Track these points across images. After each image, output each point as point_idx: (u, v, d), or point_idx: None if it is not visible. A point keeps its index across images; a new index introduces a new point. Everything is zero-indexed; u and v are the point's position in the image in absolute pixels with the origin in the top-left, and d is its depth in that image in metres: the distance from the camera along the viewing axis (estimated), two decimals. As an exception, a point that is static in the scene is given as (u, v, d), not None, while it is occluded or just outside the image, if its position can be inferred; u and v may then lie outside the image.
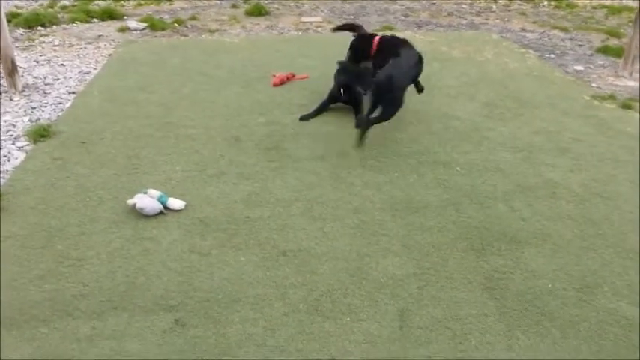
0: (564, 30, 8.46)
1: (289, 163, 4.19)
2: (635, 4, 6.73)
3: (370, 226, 3.44)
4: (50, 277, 2.96)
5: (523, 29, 8.52)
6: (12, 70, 5.46)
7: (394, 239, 3.32)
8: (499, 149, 4.42)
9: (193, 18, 8.67)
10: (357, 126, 4.72)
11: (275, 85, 5.75)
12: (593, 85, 6.11)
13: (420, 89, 5.14)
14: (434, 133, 4.63)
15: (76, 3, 9.33)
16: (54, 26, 8.07)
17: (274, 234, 3.35)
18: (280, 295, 2.86)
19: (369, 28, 5.90)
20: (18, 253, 3.14)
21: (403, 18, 9.05)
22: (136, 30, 7.96)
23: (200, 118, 4.95)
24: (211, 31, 8.05)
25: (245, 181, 3.93)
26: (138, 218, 3.44)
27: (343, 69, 5.00)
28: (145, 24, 8.11)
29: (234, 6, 9.51)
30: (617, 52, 7.05)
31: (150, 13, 8.93)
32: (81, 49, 7.05)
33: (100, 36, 7.67)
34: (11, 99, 5.35)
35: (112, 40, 7.45)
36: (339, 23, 8.42)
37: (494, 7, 9.92)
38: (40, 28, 7.94)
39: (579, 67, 6.71)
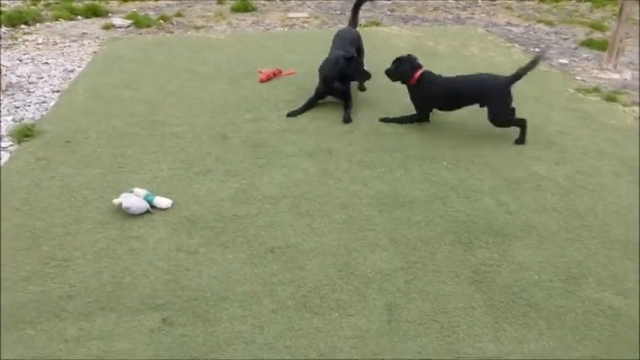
0: (549, 24, 8.51)
1: (276, 159, 4.18)
2: (618, -3, 6.79)
3: (357, 221, 3.45)
4: (36, 278, 2.93)
5: (508, 23, 8.56)
6: (-6, 69, 5.40)
7: (381, 234, 3.33)
8: (485, 143, 4.44)
9: (179, 14, 8.62)
10: (345, 121, 4.75)
11: (261, 81, 5.73)
12: (578, 78, 6.15)
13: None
14: (420, 129, 4.64)
15: (59, 0, 9.22)
16: (37, 24, 7.99)
17: (262, 231, 3.34)
18: (268, 292, 2.86)
19: (359, 23, 5.89)
20: (3, 254, 3.11)
21: (389, 13, 9.05)
22: (120, 27, 7.90)
23: (186, 115, 4.93)
24: (197, 28, 8.01)
25: (232, 178, 3.91)
26: (124, 217, 3.42)
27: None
28: (130, 21, 8.05)
29: (220, 2, 9.46)
30: (602, 45, 7.10)
31: (135, 9, 8.86)
32: (65, 46, 6.99)
33: (84, 33, 7.60)
34: (-6, 98, 5.29)
35: (97, 38, 7.39)
36: (326, 19, 8.44)
37: (479, 1, 9.95)
38: (23, 26, 7.86)
39: (564, 61, 6.75)
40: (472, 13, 9.10)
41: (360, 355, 2.49)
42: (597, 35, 7.81)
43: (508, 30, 8.13)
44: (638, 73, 6.35)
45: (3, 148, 4.31)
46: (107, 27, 7.87)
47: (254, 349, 2.52)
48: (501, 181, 3.92)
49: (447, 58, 6.60)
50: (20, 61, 6.41)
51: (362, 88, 5.54)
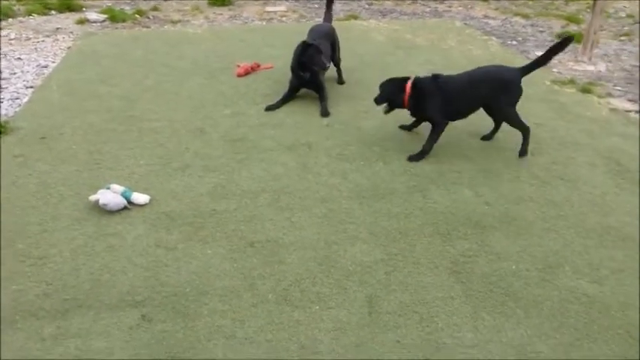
0: (526, 17, 8.59)
1: (255, 154, 4.16)
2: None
3: (337, 214, 3.45)
4: (12, 277, 2.88)
5: (486, 16, 8.62)
6: (-35, 65, 5.28)
7: (361, 227, 3.34)
8: (464, 136, 4.48)
9: (155, 9, 8.51)
10: (323, 114, 4.74)
11: (239, 75, 5.70)
12: (554, 70, 6.23)
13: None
14: (398, 121, 4.65)
15: (32, -5, 9.04)
16: (9, 19, 7.82)
17: (241, 225, 3.33)
18: (249, 286, 2.86)
19: (333, 17, 5.88)
20: (-23, 253, 3.05)
21: (367, 6, 9.06)
22: (95, 22, 7.77)
23: (164, 110, 4.88)
24: (174, 22, 7.92)
25: (211, 173, 3.89)
26: (101, 214, 3.38)
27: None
28: (105, 15, 7.92)
29: (196, -4, 9.36)
30: (577, 38, 7.17)
31: (110, 4, 8.72)
32: (38, 42, 6.85)
33: (58, 28, 7.46)
34: (-34, 95, 5.18)
35: (71, 33, 7.26)
36: (304, 13, 8.41)
37: (457, -6, 10.00)
38: (-6, 21, 7.69)
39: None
40: (450, 6, 9.15)
41: (340, 347, 2.50)
42: (573, 28, 7.91)
43: (485, 23, 8.19)
44: (612, 65, 6.46)
45: (-25, 145, 4.22)
46: (81, 22, 7.73)
47: (234, 343, 2.51)
48: (479, 172, 3.95)
49: (425, 51, 6.63)
50: (-8, 56, 6.28)
51: (340, 82, 5.54)
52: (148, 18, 8.13)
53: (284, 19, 8.28)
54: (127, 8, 8.47)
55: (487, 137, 4.44)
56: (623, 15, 8.85)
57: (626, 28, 8.11)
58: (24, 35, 7.11)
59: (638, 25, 8.16)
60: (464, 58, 6.42)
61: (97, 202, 3.40)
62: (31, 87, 5.37)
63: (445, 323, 2.66)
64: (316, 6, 8.94)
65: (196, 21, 8.03)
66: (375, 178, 3.85)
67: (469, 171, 3.96)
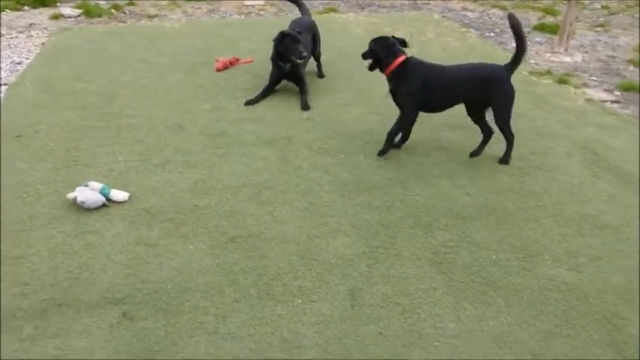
0: (503, 8, 8.66)
1: (236, 148, 4.14)
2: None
3: (319, 208, 3.45)
4: (-12, 277, 2.83)
5: (464, 8, 8.67)
6: (-64, 62, 5.15)
7: (343, 220, 3.34)
8: (442, 128, 4.50)
9: (131, 3, 8.39)
10: (303, 108, 4.72)
11: (218, 70, 5.65)
12: (532, 61, 6.29)
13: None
14: (378, 114, 4.66)
15: (4, -10, 8.86)
16: (-19, 15, 7.65)
17: (223, 221, 3.31)
18: (231, 281, 2.84)
19: (312, 10, 5.86)
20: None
21: (346, -1, 9.04)
22: (70, 17, 7.64)
23: (142, 106, 4.82)
24: (151, 17, 7.83)
25: (191, 168, 3.86)
26: (79, 212, 3.33)
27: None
28: (80, 10, 7.79)
29: (173, -10, 9.25)
30: (553, 29, 7.28)
31: (85, -1, 8.58)
32: (11, 38, 6.71)
33: (31, 24, 7.32)
34: (-63, 93, 5.05)
35: (45, 29, 7.13)
36: (282, 6, 8.37)
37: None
38: (-35, 17, 7.52)
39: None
40: (428, -1, 9.18)
41: (323, 340, 2.50)
42: (549, 19, 7.99)
43: (463, 15, 8.24)
44: (588, 55, 6.54)
45: (-52, 144, 4.13)
46: (56, 17, 7.60)
47: (217, 339, 2.50)
48: (459, 164, 3.98)
49: (404, 44, 6.63)
50: (-36, 53, 6.14)
51: (320, 75, 5.53)
52: (124, 13, 8.02)
53: (262, 12, 8.23)
54: (103, 3, 8.33)
55: (476, 153, 4.13)
56: (598, 6, 8.97)
57: (601, 19, 8.21)
58: (-4, 31, 6.97)
59: (613, 16, 8.27)
60: (442, 50, 6.45)
61: (74, 199, 3.35)
62: (5, 84, 5.26)
63: (427, 314, 2.67)
64: (295, -1, 8.88)
65: (174, 15, 7.95)
66: (356, 171, 3.85)
67: (448, 163, 3.99)
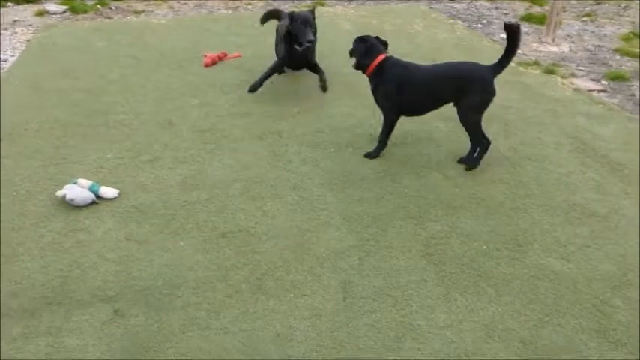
0: (491, 0, 8.66)
1: (225, 144, 4.13)
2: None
3: (309, 201, 3.45)
4: (-22, 277, 2.82)
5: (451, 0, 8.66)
6: None
7: (334, 213, 3.35)
8: (431, 119, 4.50)
9: (117, -1, 8.32)
10: (324, 89, 4.60)
11: (207, 65, 5.63)
12: (519, 52, 6.29)
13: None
14: (367, 107, 4.65)
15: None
16: (-35, 13, 7.56)
17: (213, 216, 3.31)
18: (222, 276, 2.84)
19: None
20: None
21: (334, -8, 9.01)
22: (55, 13, 7.56)
23: (130, 103, 4.79)
24: (137, 13, 7.76)
25: (181, 164, 3.85)
26: (69, 210, 3.32)
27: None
28: (65, 6, 7.71)
29: (160, -15, 9.17)
30: (540, 20, 7.31)
31: (70, -5, 8.49)
32: (-4, 35, 6.65)
33: (16, 21, 7.24)
34: None
35: (30, 25, 7.06)
36: (270, 1, 8.32)
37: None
38: (-51, 15, 7.42)
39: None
40: (416, -9, 9.16)
41: (316, 333, 2.51)
42: (536, 10, 8.02)
43: (451, 7, 8.24)
44: (575, 45, 6.57)
45: None
46: (41, 13, 7.52)
47: (209, 334, 2.50)
48: (448, 155, 4.00)
49: (391, 37, 6.59)
50: (-52, 52, 6.07)
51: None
52: (110, 9, 7.95)
53: (250, 7, 8.19)
54: (89, -1, 8.26)
55: (469, 164, 3.86)
56: (585, -4, 9.00)
57: (587, 8, 8.25)
58: (-19, 29, 6.89)
59: (600, 5, 8.31)
60: (430, 42, 6.46)
61: (64, 197, 3.33)
62: (-9, 82, 5.21)
63: (419, 305, 2.69)
64: (282, -7, 8.85)
65: (160, 11, 7.89)
66: (346, 165, 3.86)
67: (437, 154, 4.00)
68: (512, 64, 5.71)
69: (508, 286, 2.82)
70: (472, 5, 8.37)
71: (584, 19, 7.78)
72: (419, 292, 2.77)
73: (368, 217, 3.32)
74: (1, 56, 5.89)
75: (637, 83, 5.51)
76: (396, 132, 4.25)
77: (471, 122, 3.77)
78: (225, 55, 5.84)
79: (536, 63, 5.87)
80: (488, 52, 6.14)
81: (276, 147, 4.09)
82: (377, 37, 3.96)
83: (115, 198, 3.44)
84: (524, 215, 3.37)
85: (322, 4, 8.15)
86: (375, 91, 3.93)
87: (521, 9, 8.11)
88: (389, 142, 4.05)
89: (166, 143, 4.12)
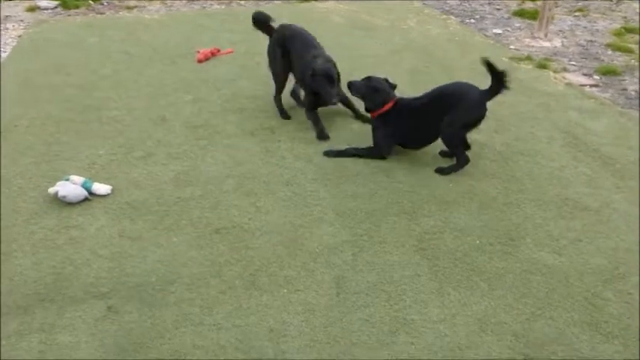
0: (483, -5, 8.67)
1: (219, 139, 4.12)
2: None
3: (303, 197, 3.45)
4: (-30, 274, 2.80)
5: (444, -5, 8.66)
6: None
7: (327, 209, 3.35)
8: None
9: (109, -6, 8.26)
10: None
11: (200, 61, 5.61)
12: (512, 47, 6.32)
13: None
14: (360, 103, 4.65)
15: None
16: (-45, 8, 7.49)
17: (206, 212, 3.30)
18: (216, 272, 2.84)
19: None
20: None
21: (327, -12, 8.98)
22: (46, 9, 7.51)
23: (123, 99, 4.77)
24: (129, 8, 7.72)
25: (174, 160, 3.84)
26: (61, 206, 3.30)
27: None
28: (57, 2, 7.66)
29: (152, -19, 9.12)
30: (533, 15, 7.31)
31: (61, -10, 8.42)
32: (-13, 31, 6.60)
33: (7, 17, 7.18)
34: None
35: (21, 21, 7.01)
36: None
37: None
38: (-62, 10, 7.35)
39: (498, 31, 6.92)
40: (409, -13, 9.15)
41: (309, 329, 2.52)
42: (529, 5, 8.02)
43: (444, 2, 8.23)
44: (567, 40, 6.59)
45: None
46: (32, 9, 7.47)
47: (203, 330, 2.50)
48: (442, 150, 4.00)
49: (384, 32, 6.65)
50: (-62, 48, 6.02)
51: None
52: (102, 4, 7.89)
53: (243, 2, 8.15)
54: (80, -6, 8.20)
55: (440, 168, 3.79)
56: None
57: (579, 3, 8.26)
58: (-29, 25, 6.83)
59: (591, 0, 8.34)
60: (423, 37, 6.46)
61: (56, 194, 3.31)
62: (-18, 78, 5.17)
63: (412, 300, 2.70)
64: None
65: (153, 6, 7.85)
66: (340, 160, 3.86)
67: (431, 150, 4.00)
68: (504, 59, 5.79)
69: (501, 280, 2.83)
70: (465, 1, 8.36)
71: (577, 14, 7.79)
72: (412, 287, 2.78)
73: (361, 213, 3.32)
74: (-8, 52, 5.85)
75: (628, 78, 5.53)
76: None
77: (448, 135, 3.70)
78: (218, 50, 5.82)
79: (528, 58, 5.88)
80: (480, 47, 6.16)
81: (269, 143, 4.08)
82: (386, 80, 3.92)
83: (108, 194, 3.43)
84: (517, 210, 3.39)
85: None
86: (374, 129, 3.92)
87: (514, 4, 8.11)
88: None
89: (159, 139, 4.11)
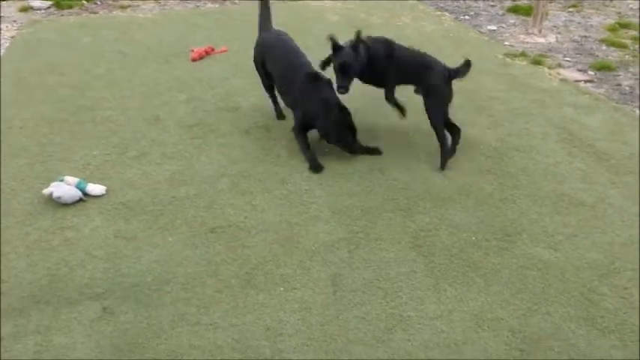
0: (477, -9, 8.67)
1: (213, 138, 4.11)
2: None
3: (298, 195, 3.45)
4: (-36, 277, 2.79)
5: (438, -8, 8.65)
6: None
7: (323, 206, 3.35)
8: (419, 112, 4.49)
9: (102, -6, 8.23)
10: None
11: (194, 60, 5.59)
12: (506, 43, 6.33)
13: None
14: (354, 100, 4.64)
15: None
16: (-53, 9, 7.45)
17: (202, 212, 3.29)
18: (212, 272, 2.83)
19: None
20: None
21: (321, -15, 8.97)
22: (39, 9, 7.48)
23: (117, 98, 4.75)
24: (123, 7, 7.69)
25: (169, 160, 3.82)
26: (56, 207, 3.29)
27: None
28: (50, 2, 7.62)
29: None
30: (527, 11, 7.32)
31: (54, -10, 8.38)
32: (-20, 32, 6.56)
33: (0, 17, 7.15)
34: None
35: (14, 21, 6.97)
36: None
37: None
38: None
39: (492, 27, 6.93)
40: (403, -16, 9.14)
41: (306, 327, 2.51)
42: (523, 1, 8.03)
43: (438, -1, 8.24)
44: (561, 36, 6.60)
45: None
46: (25, 9, 7.43)
47: (199, 329, 2.49)
48: (437, 147, 3.97)
49: (379, 29, 6.61)
50: None
51: None
52: (96, 4, 7.86)
53: (236, 1, 8.13)
54: (73, -6, 8.16)
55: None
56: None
57: (574, -1, 8.28)
58: (-36, 26, 6.80)
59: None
60: (418, 34, 6.46)
61: (50, 195, 3.30)
62: (-25, 80, 5.14)
63: (409, 297, 2.70)
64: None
65: (146, 5, 7.82)
66: (335, 158, 3.85)
67: (426, 146, 4.00)
68: (499, 55, 5.80)
69: (497, 276, 2.83)
70: (459, -3, 8.37)
71: (571, 10, 7.81)
72: (408, 284, 2.78)
73: (357, 210, 3.32)
74: (-15, 53, 5.82)
75: (623, 73, 5.54)
76: (383, 124, 4.26)
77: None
78: (213, 49, 5.80)
79: (523, 54, 5.88)
80: (475, 44, 6.17)
81: (264, 141, 4.07)
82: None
83: (103, 195, 3.42)
84: (513, 206, 3.39)
85: (309, -3, 8.12)
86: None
87: (508, 0, 8.12)
88: (378, 135, 4.05)
89: (154, 139, 4.10)
